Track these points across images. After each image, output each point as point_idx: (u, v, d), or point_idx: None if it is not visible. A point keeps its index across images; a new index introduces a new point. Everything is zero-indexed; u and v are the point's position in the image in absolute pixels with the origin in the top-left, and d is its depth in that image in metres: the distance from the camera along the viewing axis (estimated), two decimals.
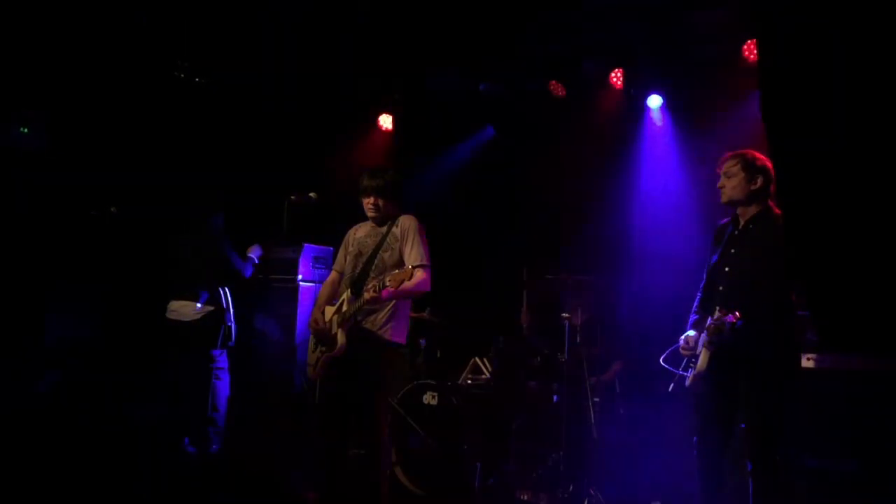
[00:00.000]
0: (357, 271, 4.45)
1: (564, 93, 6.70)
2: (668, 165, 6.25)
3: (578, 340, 5.63)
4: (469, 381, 6.09)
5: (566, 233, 6.60)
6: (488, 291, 6.68)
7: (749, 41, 5.79)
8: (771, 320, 3.72)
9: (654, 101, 6.40)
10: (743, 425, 3.84)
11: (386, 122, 7.59)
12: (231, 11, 6.33)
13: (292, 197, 4.49)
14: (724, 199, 3.98)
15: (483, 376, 6.09)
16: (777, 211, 3.87)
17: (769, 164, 3.91)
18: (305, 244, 6.13)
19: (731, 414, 3.86)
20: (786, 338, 3.74)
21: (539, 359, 5.61)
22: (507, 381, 5.58)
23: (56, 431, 5.20)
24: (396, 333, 4.39)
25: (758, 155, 3.95)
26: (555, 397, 5.55)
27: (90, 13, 6.10)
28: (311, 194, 4.77)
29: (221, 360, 5.43)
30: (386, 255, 4.41)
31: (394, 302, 4.34)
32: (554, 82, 6.68)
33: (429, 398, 5.65)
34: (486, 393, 5.81)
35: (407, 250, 4.37)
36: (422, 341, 6.18)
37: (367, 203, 4.49)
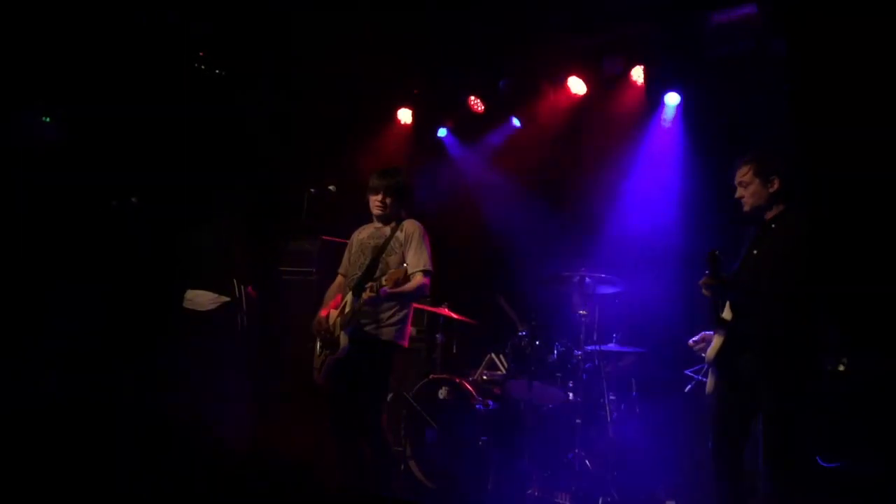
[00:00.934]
0: (360, 273, 4.46)
1: (586, 89, 6.67)
2: (686, 163, 6.20)
3: (595, 338, 5.62)
4: (485, 377, 6.09)
5: (585, 230, 6.57)
6: (505, 287, 6.66)
7: (772, 38, 5.73)
8: (788, 322, 3.67)
9: (672, 99, 6.35)
10: (760, 429, 3.80)
11: (405, 116, 7.58)
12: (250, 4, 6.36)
13: (311, 190, 4.51)
14: (746, 209, 3.92)
15: (499, 372, 6.09)
16: (798, 212, 3.83)
17: (781, 163, 3.87)
18: (323, 237, 6.16)
19: (748, 417, 3.82)
20: (804, 339, 3.67)
21: (555, 356, 5.60)
22: (523, 378, 5.56)
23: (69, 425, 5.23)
24: (399, 335, 4.41)
25: (767, 156, 3.91)
26: (569, 395, 5.54)
27: (112, 6, 6.14)
28: (331, 187, 4.77)
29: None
30: (390, 260, 4.42)
31: (396, 305, 4.36)
32: (574, 78, 6.65)
33: (444, 393, 5.66)
34: (501, 389, 5.80)
35: (410, 255, 4.40)
36: (438, 336, 6.19)
37: (375, 200, 4.51)
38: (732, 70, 5.91)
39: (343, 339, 4.29)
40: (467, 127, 7.43)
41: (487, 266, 7.01)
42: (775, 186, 3.84)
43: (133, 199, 5.38)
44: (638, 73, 6.36)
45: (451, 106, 7.36)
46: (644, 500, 5.22)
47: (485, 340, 6.38)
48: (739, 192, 3.93)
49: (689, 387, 5.08)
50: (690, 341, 4.02)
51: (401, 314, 4.41)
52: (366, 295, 4.14)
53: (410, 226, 4.50)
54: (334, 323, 4.38)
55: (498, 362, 6.19)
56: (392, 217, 4.54)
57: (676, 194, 6.18)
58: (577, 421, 5.36)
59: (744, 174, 3.90)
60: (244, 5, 6.40)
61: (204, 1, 6.36)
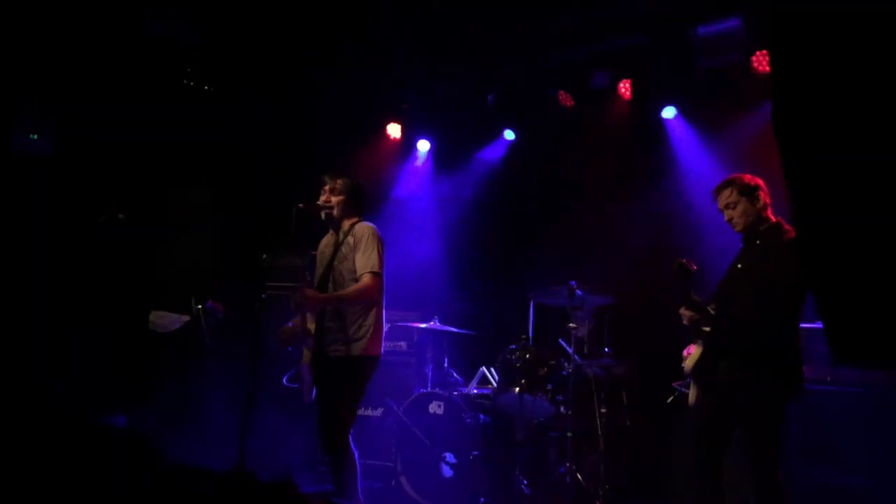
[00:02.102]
0: (317, 283, 4.41)
1: (573, 103, 6.70)
2: (673, 177, 6.23)
3: (585, 351, 5.63)
4: (476, 391, 6.08)
5: (574, 243, 6.59)
6: (496, 301, 6.66)
7: (759, 52, 5.79)
8: (771, 331, 3.67)
9: (662, 112, 6.39)
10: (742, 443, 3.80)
11: (394, 131, 7.59)
12: (236, 16, 6.37)
13: (300, 205, 4.48)
14: (738, 229, 3.92)
15: (490, 386, 6.07)
16: (786, 226, 3.84)
17: (759, 179, 3.91)
18: (312, 252, 6.14)
19: (727, 427, 3.82)
20: (787, 352, 3.67)
21: (546, 370, 5.59)
22: (514, 392, 5.55)
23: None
24: (369, 347, 4.26)
25: (745, 176, 3.93)
26: (561, 408, 5.53)
27: (99, 20, 6.13)
28: (320, 202, 4.74)
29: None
30: (342, 266, 4.32)
31: (361, 312, 4.27)
32: (563, 92, 6.68)
33: (435, 408, 5.65)
34: (492, 403, 5.79)
35: (358, 256, 4.28)
36: (429, 351, 6.17)
37: (322, 201, 4.43)
38: (720, 83, 5.96)
39: (305, 354, 4.29)
40: (457, 141, 7.44)
41: (477, 280, 7.00)
42: (761, 201, 3.86)
43: (120, 216, 5.34)
44: (626, 87, 6.40)
45: (441, 120, 7.36)
46: None
47: (476, 355, 6.38)
48: (728, 214, 3.92)
49: (670, 398, 5.08)
50: (685, 352, 4.03)
51: (365, 325, 4.26)
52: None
53: (361, 228, 4.37)
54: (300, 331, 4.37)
55: (489, 376, 6.18)
56: (341, 220, 4.45)
57: (665, 206, 6.20)
58: (569, 434, 5.35)
59: (728, 196, 3.91)
60: (230, 18, 6.40)
61: (192, 13, 6.36)
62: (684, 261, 3.78)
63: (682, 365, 4.00)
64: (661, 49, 6.11)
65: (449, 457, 5.46)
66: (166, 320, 5.33)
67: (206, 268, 5.39)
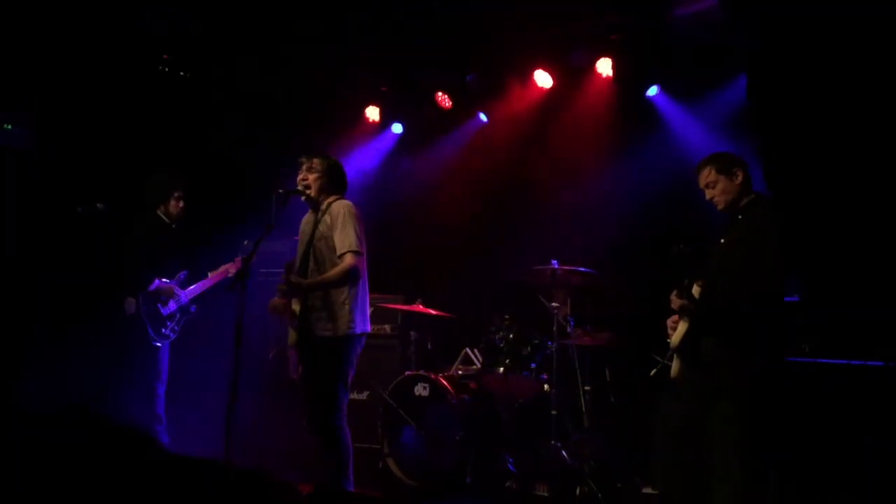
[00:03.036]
0: (298, 263, 4.40)
1: (553, 81, 6.69)
2: (653, 154, 6.24)
3: (568, 329, 5.66)
4: (460, 372, 6.11)
5: (555, 223, 6.60)
6: (478, 281, 6.68)
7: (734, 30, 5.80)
8: (755, 308, 3.71)
9: (640, 89, 6.39)
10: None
11: (373, 113, 7.55)
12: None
13: (280, 190, 4.46)
14: (721, 207, 3.93)
15: (474, 367, 6.10)
16: (766, 200, 3.88)
17: (737, 156, 3.94)
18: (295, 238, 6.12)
19: (710, 404, 3.86)
20: (770, 327, 3.71)
21: (529, 349, 5.62)
22: (498, 372, 5.58)
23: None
24: (354, 326, 4.28)
25: (723, 153, 3.97)
26: (545, 387, 5.57)
27: (74, 10, 6.06)
28: (298, 184, 4.73)
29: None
30: (321, 245, 4.32)
31: (346, 292, 4.26)
32: (540, 71, 6.66)
33: (420, 390, 5.67)
34: (477, 383, 5.82)
35: (336, 235, 4.27)
36: (413, 333, 6.19)
37: (299, 179, 4.43)
38: (700, 58, 5.97)
39: (291, 335, 4.29)
40: (435, 122, 7.42)
41: (459, 261, 7.01)
42: (740, 178, 3.89)
43: (99, 205, 5.29)
44: (604, 65, 6.39)
45: (419, 102, 7.34)
46: (622, 489, 5.25)
47: (459, 335, 6.40)
48: (709, 194, 3.95)
49: (654, 370, 5.12)
50: (670, 321, 4.06)
51: (349, 304, 4.26)
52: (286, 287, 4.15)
53: (338, 206, 4.37)
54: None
55: (473, 357, 6.21)
56: (319, 198, 4.45)
57: (645, 184, 6.21)
58: (553, 412, 5.38)
59: (707, 175, 3.94)
60: (207, 4, 6.35)
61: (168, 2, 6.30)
62: (681, 246, 3.79)
63: (668, 340, 4.02)
64: (639, 26, 6.11)
65: (435, 438, 5.48)
66: (130, 306, 5.26)
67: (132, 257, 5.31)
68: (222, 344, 4.93)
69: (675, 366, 3.99)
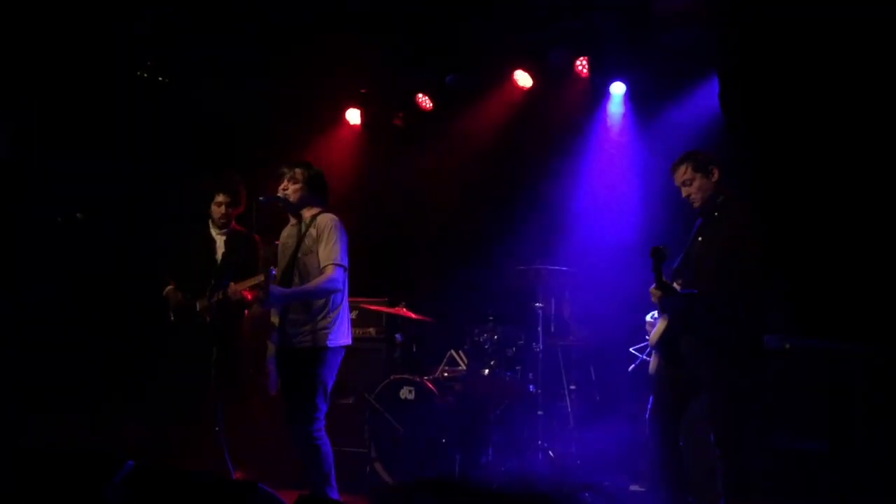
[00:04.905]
0: (280, 275, 4.37)
1: (532, 81, 6.70)
2: (631, 154, 6.27)
3: (553, 330, 5.68)
4: (446, 374, 6.11)
5: (540, 222, 6.61)
6: (462, 284, 6.68)
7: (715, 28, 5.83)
8: (733, 304, 3.74)
9: (618, 89, 6.41)
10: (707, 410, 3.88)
11: (353, 116, 7.54)
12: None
13: (260, 198, 4.44)
14: (697, 205, 3.98)
15: (460, 369, 6.11)
16: (740, 199, 3.92)
17: (713, 154, 3.97)
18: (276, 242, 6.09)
19: (686, 396, 3.91)
20: (748, 322, 3.76)
21: (514, 349, 5.63)
22: (483, 373, 5.59)
23: None
24: (334, 338, 4.27)
25: (699, 151, 4.00)
26: (530, 387, 5.58)
27: (52, 16, 6.01)
28: (280, 194, 4.72)
29: None
30: (306, 259, 4.31)
31: (326, 304, 4.25)
32: (520, 71, 6.67)
33: (406, 393, 5.66)
34: (463, 385, 5.82)
35: (321, 248, 4.26)
36: (398, 336, 6.18)
37: (280, 189, 4.39)
38: (677, 58, 5.99)
39: (269, 346, 4.27)
40: (417, 124, 7.41)
41: (443, 263, 7.00)
42: (716, 175, 3.92)
43: (78, 215, 5.25)
44: (583, 64, 6.41)
45: (400, 104, 7.32)
46: (608, 487, 5.27)
47: (444, 337, 6.39)
48: (685, 191, 3.99)
49: (632, 366, 5.16)
50: (649, 317, 4.10)
51: (331, 316, 4.26)
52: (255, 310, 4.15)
53: (323, 220, 4.35)
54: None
55: (458, 359, 6.21)
56: (301, 209, 4.42)
57: (626, 183, 6.24)
58: (539, 413, 5.40)
59: (683, 173, 3.97)
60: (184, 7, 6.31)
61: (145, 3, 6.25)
62: (661, 246, 3.84)
63: (647, 337, 4.07)
64: (619, 26, 6.13)
65: (423, 440, 5.48)
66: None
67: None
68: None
69: (653, 362, 4.04)
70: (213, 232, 5.19)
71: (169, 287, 5.10)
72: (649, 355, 4.10)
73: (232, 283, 4.75)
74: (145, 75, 6.96)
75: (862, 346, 4.21)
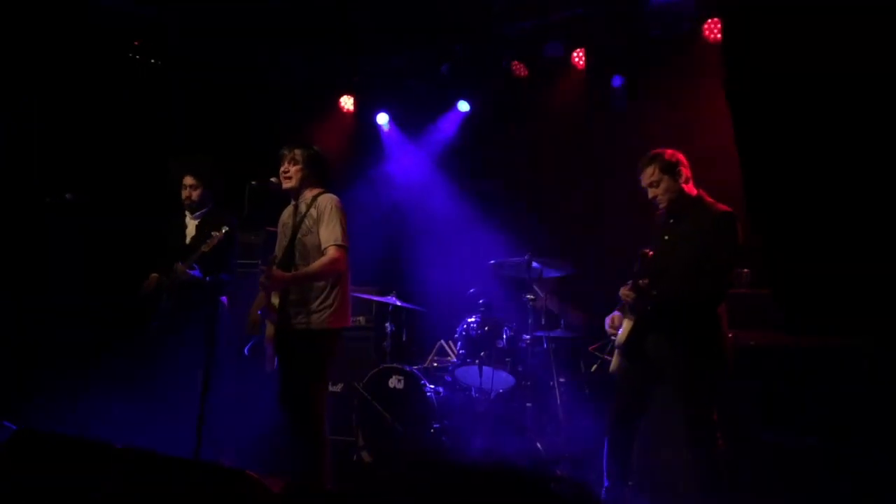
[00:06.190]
0: (280, 257, 4.32)
1: (527, 73, 6.68)
2: (623, 145, 6.26)
3: (543, 322, 5.67)
4: (435, 364, 6.10)
5: (531, 214, 6.60)
6: (454, 273, 6.67)
7: (710, 20, 5.84)
8: (702, 303, 3.77)
9: (616, 82, 6.40)
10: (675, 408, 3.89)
11: (347, 103, 7.50)
12: None
13: (253, 182, 4.40)
14: (663, 206, 3.95)
15: (449, 359, 6.10)
16: (708, 198, 3.92)
17: (679, 154, 3.95)
18: (269, 229, 6.06)
19: (646, 394, 3.95)
20: (714, 321, 3.78)
21: (504, 341, 5.63)
22: (473, 364, 5.58)
23: None
24: (333, 320, 4.22)
25: (665, 152, 3.96)
26: (521, 379, 5.57)
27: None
28: (273, 179, 4.69)
29: None
30: (306, 240, 4.25)
31: (326, 286, 4.22)
32: (516, 63, 6.65)
33: (395, 382, 5.65)
34: (452, 375, 5.82)
35: (322, 229, 4.21)
36: (388, 325, 6.16)
37: (281, 171, 4.35)
38: (673, 52, 5.99)
39: (269, 329, 4.19)
40: (411, 113, 7.38)
41: (435, 252, 6.99)
42: (682, 176, 3.91)
43: (68, 196, 5.18)
44: (579, 56, 6.39)
45: (394, 92, 7.29)
46: (597, 479, 5.27)
47: (434, 327, 6.39)
48: (651, 192, 3.95)
49: (594, 366, 5.18)
50: (607, 325, 4.09)
51: (330, 298, 4.21)
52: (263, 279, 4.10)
53: (324, 200, 4.28)
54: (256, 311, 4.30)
55: (448, 349, 6.20)
56: (301, 190, 4.37)
57: (620, 176, 6.23)
58: (528, 405, 5.40)
59: (651, 174, 3.93)
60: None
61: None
62: (647, 251, 3.87)
63: (611, 336, 4.06)
64: (613, 18, 6.11)
65: (411, 430, 5.47)
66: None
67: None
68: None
69: (614, 361, 4.04)
70: (187, 217, 5.16)
71: (153, 274, 5.09)
72: (610, 355, 4.12)
73: (178, 264, 4.74)
74: (137, 57, 6.90)
75: (858, 343, 4.22)
